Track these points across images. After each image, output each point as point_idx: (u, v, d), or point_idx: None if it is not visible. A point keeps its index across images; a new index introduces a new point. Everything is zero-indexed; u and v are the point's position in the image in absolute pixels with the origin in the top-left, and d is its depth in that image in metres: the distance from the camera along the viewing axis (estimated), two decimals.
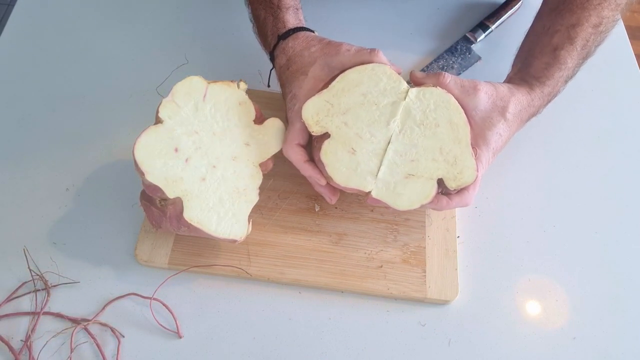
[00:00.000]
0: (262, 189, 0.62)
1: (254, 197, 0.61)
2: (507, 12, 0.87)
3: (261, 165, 0.63)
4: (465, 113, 0.61)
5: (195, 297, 0.61)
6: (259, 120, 0.63)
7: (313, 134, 0.61)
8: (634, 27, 2.03)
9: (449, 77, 0.61)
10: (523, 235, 0.68)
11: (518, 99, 0.63)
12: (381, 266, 0.64)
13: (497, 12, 0.87)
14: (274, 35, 0.67)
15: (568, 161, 0.75)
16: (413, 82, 0.63)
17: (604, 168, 0.74)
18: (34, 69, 0.77)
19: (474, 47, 0.84)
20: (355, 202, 0.68)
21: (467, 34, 0.85)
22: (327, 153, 0.60)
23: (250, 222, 0.60)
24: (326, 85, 0.62)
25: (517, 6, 0.88)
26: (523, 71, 0.67)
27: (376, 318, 0.62)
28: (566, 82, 0.68)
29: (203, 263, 0.62)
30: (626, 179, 0.74)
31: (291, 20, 0.67)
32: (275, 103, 0.73)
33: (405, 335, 0.61)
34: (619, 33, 0.87)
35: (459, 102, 0.61)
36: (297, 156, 0.61)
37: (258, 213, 0.65)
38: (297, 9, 0.69)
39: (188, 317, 0.60)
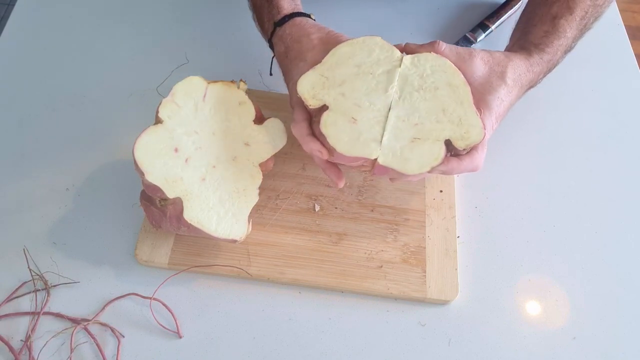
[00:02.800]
0: (262, 189, 0.62)
1: (254, 197, 0.61)
2: (507, 12, 0.87)
3: (261, 165, 0.62)
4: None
5: (195, 297, 0.61)
6: (259, 120, 0.63)
7: (310, 107, 0.59)
8: (634, 27, 2.03)
9: (443, 45, 0.60)
10: (523, 235, 0.68)
11: (516, 64, 0.63)
12: (381, 266, 0.64)
13: (497, 12, 0.87)
14: (270, 22, 0.66)
15: (568, 161, 0.75)
16: (407, 52, 0.62)
17: (604, 168, 0.74)
18: (34, 69, 0.77)
19: (474, 47, 0.84)
20: (355, 202, 0.68)
21: (467, 34, 0.85)
22: (327, 124, 0.58)
23: (250, 222, 0.60)
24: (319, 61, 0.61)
25: (517, 6, 0.88)
26: (522, 39, 0.67)
27: (376, 318, 0.62)
28: (565, 52, 0.67)
29: (203, 263, 0.62)
30: (626, 179, 0.74)
31: (286, 5, 0.65)
32: (275, 103, 0.73)
33: (405, 335, 0.61)
34: (619, 33, 0.87)
35: None
36: (300, 130, 0.60)
37: (258, 213, 0.65)
38: None
39: (188, 317, 0.60)
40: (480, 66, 0.61)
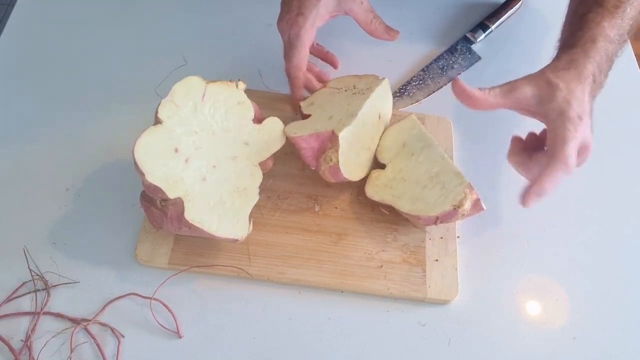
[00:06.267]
0: (262, 189, 0.62)
1: (254, 197, 0.61)
2: (507, 12, 0.87)
3: (261, 164, 0.63)
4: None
5: (196, 297, 0.61)
6: (258, 119, 0.63)
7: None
8: None
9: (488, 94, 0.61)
10: (523, 235, 0.68)
11: (553, 64, 0.62)
12: (381, 266, 0.64)
13: (497, 12, 0.87)
14: None
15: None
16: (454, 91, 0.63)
17: (604, 168, 0.74)
18: (34, 69, 0.77)
19: (474, 47, 0.84)
20: (356, 202, 0.68)
21: (467, 34, 0.85)
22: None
23: (251, 222, 0.60)
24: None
25: (517, 6, 0.88)
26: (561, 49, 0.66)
27: (376, 318, 0.62)
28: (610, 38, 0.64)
29: (203, 263, 0.62)
30: (626, 179, 0.74)
31: None
32: (274, 103, 0.74)
33: (405, 335, 0.61)
34: None
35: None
36: (297, 81, 0.66)
37: (258, 213, 0.65)
38: None
39: (188, 317, 0.60)
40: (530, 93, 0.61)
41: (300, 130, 0.64)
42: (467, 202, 0.60)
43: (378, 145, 0.69)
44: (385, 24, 0.73)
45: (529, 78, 0.62)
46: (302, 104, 0.70)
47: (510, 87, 0.62)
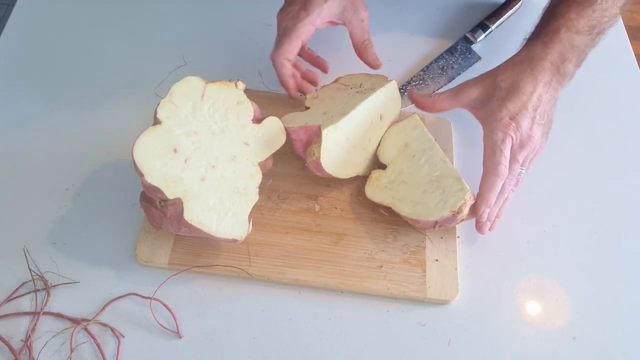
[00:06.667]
0: (262, 189, 0.62)
1: (253, 197, 0.61)
2: (507, 12, 0.87)
3: (260, 164, 0.63)
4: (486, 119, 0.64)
5: (195, 297, 0.61)
6: (258, 119, 0.63)
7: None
8: (634, 27, 2.03)
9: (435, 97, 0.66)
10: (523, 235, 0.68)
11: (506, 63, 0.65)
12: (381, 266, 0.64)
13: (497, 12, 0.87)
14: None
15: (568, 161, 0.74)
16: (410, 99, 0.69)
17: (604, 168, 0.74)
18: (34, 68, 0.77)
19: (474, 47, 0.84)
20: (355, 202, 0.68)
21: (467, 34, 0.85)
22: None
23: (251, 222, 0.60)
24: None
25: (517, 6, 0.88)
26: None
27: (376, 318, 0.62)
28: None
29: (203, 263, 0.62)
30: (626, 179, 0.74)
31: None
32: (273, 102, 0.74)
33: (405, 335, 0.61)
34: (619, 33, 0.87)
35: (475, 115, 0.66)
36: (283, 70, 0.67)
37: (258, 213, 0.65)
38: None
39: (188, 317, 0.60)
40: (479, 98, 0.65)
41: (293, 121, 0.65)
42: (466, 209, 0.61)
43: (379, 145, 0.69)
44: (374, 52, 0.74)
45: (480, 78, 0.65)
46: (307, 96, 0.72)
47: (457, 90, 0.66)
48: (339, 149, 0.65)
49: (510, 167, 0.62)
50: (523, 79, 0.63)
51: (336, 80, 0.73)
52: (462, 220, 0.62)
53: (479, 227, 0.63)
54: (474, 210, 0.62)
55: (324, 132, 0.62)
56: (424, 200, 0.62)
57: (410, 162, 0.66)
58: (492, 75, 0.65)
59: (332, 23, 0.71)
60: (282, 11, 0.70)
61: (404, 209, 0.63)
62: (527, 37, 0.69)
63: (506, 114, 0.62)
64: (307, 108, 0.70)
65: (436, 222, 0.61)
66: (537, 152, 0.65)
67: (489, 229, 0.63)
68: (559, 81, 0.65)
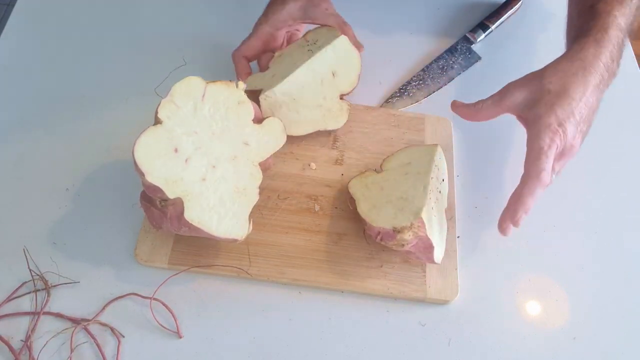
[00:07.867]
0: (262, 189, 0.62)
1: (254, 197, 0.61)
2: (507, 12, 0.87)
3: (261, 164, 0.63)
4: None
5: (195, 297, 0.61)
6: (258, 119, 0.63)
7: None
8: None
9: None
10: (523, 235, 0.68)
11: (556, 63, 0.63)
12: (381, 266, 0.64)
13: (497, 12, 0.87)
14: None
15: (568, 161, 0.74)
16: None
17: (603, 168, 0.74)
18: (34, 68, 0.77)
19: (474, 47, 0.84)
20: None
21: (467, 34, 0.85)
22: None
23: (251, 222, 0.60)
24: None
25: (517, 6, 0.88)
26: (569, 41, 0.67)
27: (376, 318, 0.62)
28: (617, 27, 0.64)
29: (203, 263, 0.62)
30: (626, 179, 0.74)
31: None
32: None
33: (405, 335, 0.61)
34: None
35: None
36: (239, 65, 0.72)
37: (258, 213, 0.65)
38: None
39: (188, 317, 0.60)
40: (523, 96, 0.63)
41: (250, 84, 0.68)
42: (408, 233, 0.58)
43: (390, 155, 0.69)
44: (353, 34, 0.75)
45: (524, 81, 0.63)
46: (275, 54, 0.73)
47: (501, 95, 0.63)
48: (286, 110, 0.68)
49: None
50: (575, 82, 0.61)
51: (304, 35, 0.74)
52: (405, 246, 0.59)
53: (504, 228, 0.62)
54: (510, 212, 0.60)
55: (261, 98, 0.65)
56: (381, 208, 0.62)
57: (399, 176, 0.65)
58: (538, 77, 0.62)
59: (306, 23, 0.75)
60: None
61: (363, 207, 0.63)
62: (571, 35, 0.67)
63: (554, 120, 0.60)
64: (268, 68, 0.72)
65: (379, 233, 0.60)
66: (571, 158, 0.63)
67: (504, 233, 0.62)
68: (606, 82, 0.63)
